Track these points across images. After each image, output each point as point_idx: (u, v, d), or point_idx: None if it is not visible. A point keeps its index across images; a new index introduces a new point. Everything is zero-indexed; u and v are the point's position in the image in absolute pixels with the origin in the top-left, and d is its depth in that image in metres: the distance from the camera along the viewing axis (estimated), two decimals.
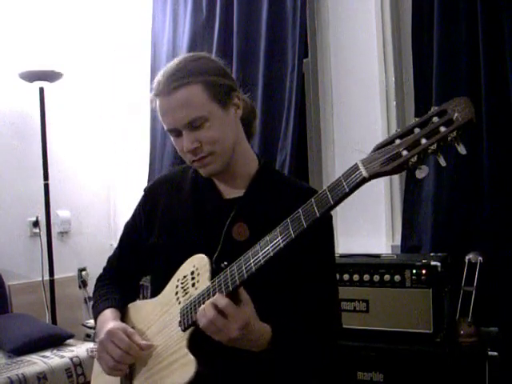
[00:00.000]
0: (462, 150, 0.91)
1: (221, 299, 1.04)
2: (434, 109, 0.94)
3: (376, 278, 2.07)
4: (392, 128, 2.59)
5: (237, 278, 1.04)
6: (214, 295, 1.07)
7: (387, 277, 2.05)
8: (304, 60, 2.82)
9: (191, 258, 1.20)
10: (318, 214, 0.97)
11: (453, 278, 2.15)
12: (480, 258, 2.11)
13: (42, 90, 3.11)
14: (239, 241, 1.20)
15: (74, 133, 3.54)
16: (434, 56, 2.38)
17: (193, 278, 1.17)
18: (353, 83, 2.75)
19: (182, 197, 1.34)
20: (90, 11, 3.59)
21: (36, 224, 3.27)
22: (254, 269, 1.02)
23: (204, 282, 1.13)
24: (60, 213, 3.43)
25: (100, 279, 1.50)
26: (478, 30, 2.26)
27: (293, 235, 0.99)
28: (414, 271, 2.01)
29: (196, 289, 1.15)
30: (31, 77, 3.03)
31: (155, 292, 1.31)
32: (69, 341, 2.76)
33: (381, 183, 2.58)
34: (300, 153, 2.83)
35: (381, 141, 0.97)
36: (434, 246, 2.35)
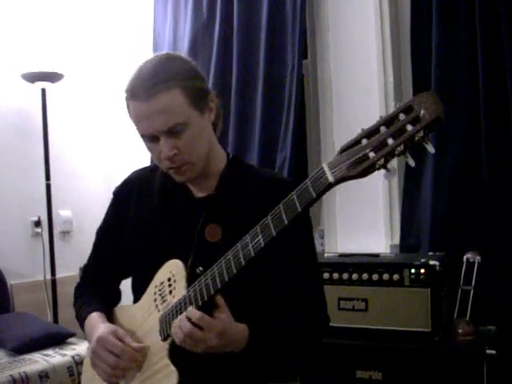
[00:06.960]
0: (431, 149, 0.86)
1: (194, 313, 1.04)
2: (399, 105, 0.88)
3: (375, 277, 2.08)
4: None
5: (211, 287, 1.04)
6: (190, 305, 1.07)
7: (386, 276, 2.06)
8: (304, 61, 2.83)
9: (167, 263, 1.19)
10: (286, 222, 0.95)
11: (451, 277, 2.16)
12: (478, 257, 2.12)
13: (43, 91, 3.12)
14: (212, 242, 1.18)
15: (75, 133, 3.55)
16: (433, 56, 2.39)
17: (170, 285, 1.17)
18: (352, 84, 2.75)
19: (152, 198, 1.31)
20: (91, 12, 3.60)
21: (38, 224, 3.28)
22: (227, 278, 1.02)
23: (180, 289, 1.13)
24: (62, 212, 3.44)
25: (78, 288, 1.47)
26: (476, 31, 2.27)
27: (262, 244, 0.98)
28: (413, 270, 2.02)
29: (173, 296, 1.15)
30: (33, 77, 3.04)
31: (136, 296, 1.31)
32: (70, 339, 2.76)
33: (379, 183, 2.58)
34: (300, 153, 2.84)
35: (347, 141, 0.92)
36: (432, 245, 2.36)
